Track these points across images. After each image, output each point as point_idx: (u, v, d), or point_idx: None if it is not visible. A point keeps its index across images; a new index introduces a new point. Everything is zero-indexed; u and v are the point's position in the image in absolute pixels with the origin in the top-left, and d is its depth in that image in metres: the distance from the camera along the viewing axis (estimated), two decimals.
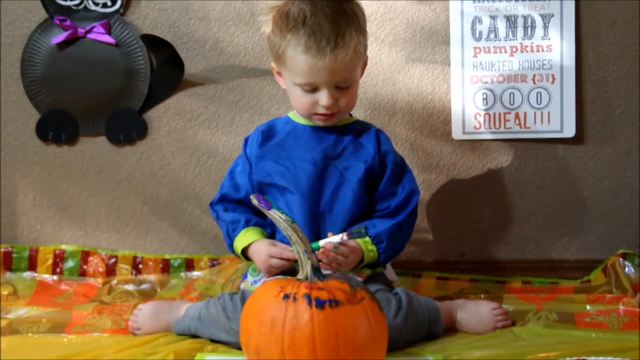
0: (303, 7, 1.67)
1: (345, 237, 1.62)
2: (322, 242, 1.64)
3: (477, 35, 2.05)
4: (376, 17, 2.06)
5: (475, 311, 1.73)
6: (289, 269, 1.69)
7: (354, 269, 1.72)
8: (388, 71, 2.08)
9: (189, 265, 2.10)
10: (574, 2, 2.02)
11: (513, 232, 2.10)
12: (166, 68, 2.10)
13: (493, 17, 2.05)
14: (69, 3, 2.10)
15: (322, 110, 1.71)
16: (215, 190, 1.86)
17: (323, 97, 1.69)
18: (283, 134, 1.79)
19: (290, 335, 1.37)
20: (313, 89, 1.69)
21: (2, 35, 2.11)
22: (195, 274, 2.10)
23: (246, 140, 1.83)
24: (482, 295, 1.94)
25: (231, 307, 1.65)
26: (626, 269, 1.97)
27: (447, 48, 2.06)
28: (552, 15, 2.03)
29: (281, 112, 2.04)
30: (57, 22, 2.09)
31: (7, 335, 1.73)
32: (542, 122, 2.05)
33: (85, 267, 2.11)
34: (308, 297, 1.37)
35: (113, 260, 2.11)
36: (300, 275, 1.45)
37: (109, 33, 2.09)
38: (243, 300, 1.63)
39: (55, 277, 2.10)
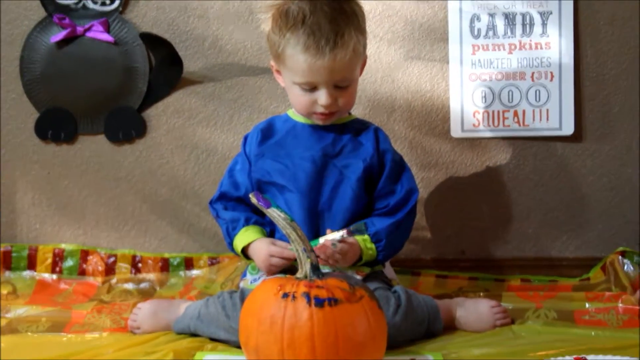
0: (303, 6, 1.66)
1: (345, 234, 1.63)
2: (321, 240, 1.64)
3: (476, 33, 2.05)
4: (375, 15, 2.06)
5: (474, 309, 1.73)
6: (289, 268, 1.69)
7: (353, 267, 1.72)
8: (387, 69, 2.08)
9: (189, 263, 2.10)
10: None
11: (512, 230, 2.10)
12: (165, 66, 2.10)
13: (491, 15, 2.04)
14: (67, 2, 2.10)
15: (321, 109, 1.71)
16: (215, 189, 1.86)
17: (322, 97, 1.69)
18: (282, 132, 1.79)
19: (289, 334, 1.37)
20: (312, 88, 1.69)
21: (1, 34, 2.11)
22: (195, 272, 2.10)
23: (245, 138, 1.83)
24: (481, 293, 1.93)
25: (230, 306, 1.65)
26: (625, 267, 1.97)
27: (446, 46, 2.06)
28: (551, 13, 2.03)
29: (280, 110, 2.04)
30: (56, 20, 2.09)
31: (6, 334, 1.73)
32: (540, 120, 2.05)
33: (84, 266, 2.11)
34: (307, 296, 1.37)
35: (112, 259, 2.11)
36: (299, 274, 1.45)
37: (108, 31, 2.09)
38: (242, 298, 1.63)
39: (54, 276, 2.10)
